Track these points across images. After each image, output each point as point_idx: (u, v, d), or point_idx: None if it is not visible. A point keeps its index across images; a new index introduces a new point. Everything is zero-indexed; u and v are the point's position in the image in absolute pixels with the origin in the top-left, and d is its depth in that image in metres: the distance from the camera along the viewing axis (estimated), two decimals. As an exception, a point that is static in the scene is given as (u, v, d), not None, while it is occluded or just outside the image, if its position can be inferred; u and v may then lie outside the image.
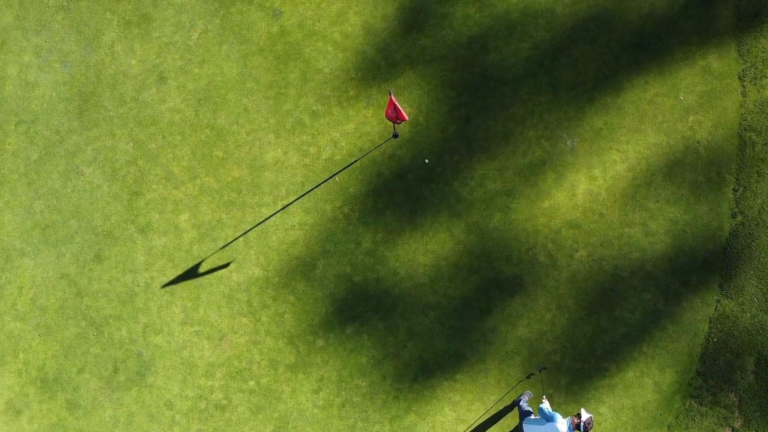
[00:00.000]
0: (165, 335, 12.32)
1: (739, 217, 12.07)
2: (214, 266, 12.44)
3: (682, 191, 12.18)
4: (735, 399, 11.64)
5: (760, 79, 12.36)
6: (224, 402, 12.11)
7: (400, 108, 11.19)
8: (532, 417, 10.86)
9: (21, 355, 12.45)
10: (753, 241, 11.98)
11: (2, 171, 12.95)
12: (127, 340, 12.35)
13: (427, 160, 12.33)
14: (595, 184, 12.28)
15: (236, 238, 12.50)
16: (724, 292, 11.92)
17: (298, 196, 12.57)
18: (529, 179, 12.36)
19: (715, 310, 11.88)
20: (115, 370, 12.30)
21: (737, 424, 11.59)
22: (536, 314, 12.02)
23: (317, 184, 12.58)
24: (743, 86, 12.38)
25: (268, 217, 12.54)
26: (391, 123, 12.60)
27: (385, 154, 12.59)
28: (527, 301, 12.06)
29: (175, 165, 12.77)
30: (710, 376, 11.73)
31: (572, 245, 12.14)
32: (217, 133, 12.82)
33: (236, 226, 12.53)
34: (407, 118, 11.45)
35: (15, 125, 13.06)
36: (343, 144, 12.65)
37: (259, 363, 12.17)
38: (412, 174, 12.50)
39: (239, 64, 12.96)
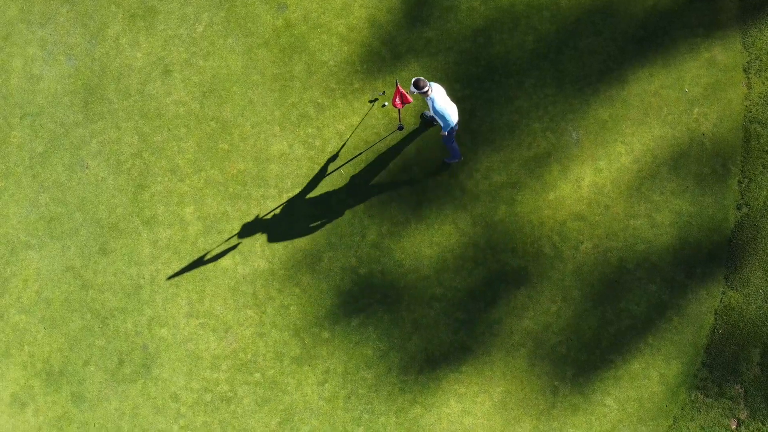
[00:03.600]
0: (170, 328, 12.32)
1: (745, 209, 12.08)
2: (219, 258, 12.44)
3: (688, 183, 12.19)
4: (741, 390, 11.65)
5: (765, 71, 12.37)
6: (230, 394, 12.11)
7: (406, 93, 11.26)
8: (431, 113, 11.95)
9: (26, 348, 12.45)
10: (758, 232, 11.99)
11: (7, 164, 12.96)
12: (132, 333, 12.35)
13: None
14: (600, 176, 12.29)
15: (241, 231, 12.50)
16: (729, 283, 11.93)
17: (303, 188, 12.57)
18: (535, 172, 12.37)
19: (721, 301, 11.89)
20: (121, 362, 12.30)
21: (743, 416, 11.60)
22: (542, 306, 12.02)
23: (322, 176, 12.59)
24: (748, 78, 12.39)
25: (273, 210, 12.55)
26: (395, 116, 12.62)
27: (390, 147, 12.60)
28: (532, 293, 12.07)
29: (180, 158, 12.78)
30: (716, 368, 11.74)
31: (578, 237, 12.15)
32: (222, 126, 12.83)
33: (241, 219, 12.53)
34: (411, 100, 11.50)
35: (20, 118, 13.07)
36: (348, 137, 12.66)
37: (264, 355, 12.17)
38: (417, 167, 12.51)
39: (244, 56, 12.98)
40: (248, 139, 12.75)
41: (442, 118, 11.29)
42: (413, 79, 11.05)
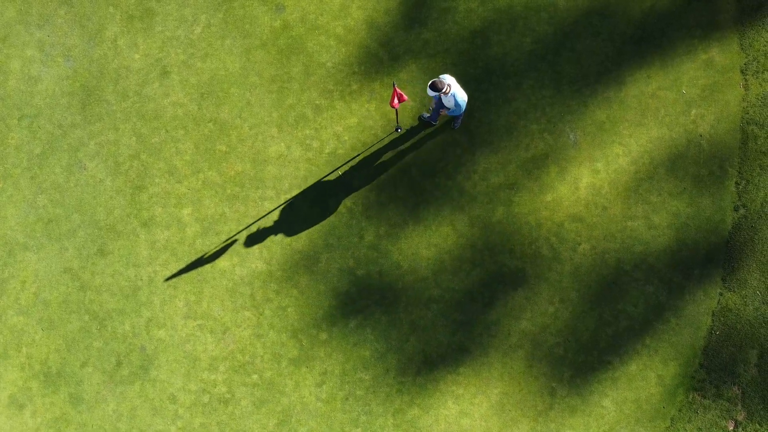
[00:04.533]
0: (168, 329, 12.33)
1: (742, 211, 12.08)
2: (217, 260, 12.45)
3: (685, 185, 12.19)
4: (738, 392, 11.66)
5: (762, 72, 12.38)
6: (227, 396, 12.12)
7: (402, 93, 11.29)
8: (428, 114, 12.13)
9: (24, 350, 12.45)
10: (755, 234, 11.99)
11: (5, 165, 12.96)
12: (130, 334, 12.36)
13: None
14: (597, 177, 12.30)
15: (239, 232, 12.51)
16: (726, 285, 11.93)
17: (301, 190, 12.58)
18: (532, 173, 12.38)
19: (718, 303, 11.90)
20: (118, 364, 12.30)
21: (740, 417, 11.60)
22: (539, 307, 12.03)
23: (320, 178, 12.60)
24: (745, 80, 12.40)
25: (271, 211, 12.55)
26: (393, 117, 12.63)
27: (388, 148, 12.60)
28: (530, 294, 12.07)
29: (178, 159, 12.78)
30: (713, 369, 11.74)
31: (575, 239, 12.15)
32: (220, 128, 12.83)
33: (239, 220, 12.54)
34: (407, 98, 11.56)
35: (18, 120, 13.07)
36: (346, 138, 12.67)
37: (262, 357, 12.18)
38: (415, 168, 12.51)
39: (242, 58, 12.98)
40: (246, 140, 12.76)
41: (460, 108, 11.40)
42: (429, 83, 11.04)
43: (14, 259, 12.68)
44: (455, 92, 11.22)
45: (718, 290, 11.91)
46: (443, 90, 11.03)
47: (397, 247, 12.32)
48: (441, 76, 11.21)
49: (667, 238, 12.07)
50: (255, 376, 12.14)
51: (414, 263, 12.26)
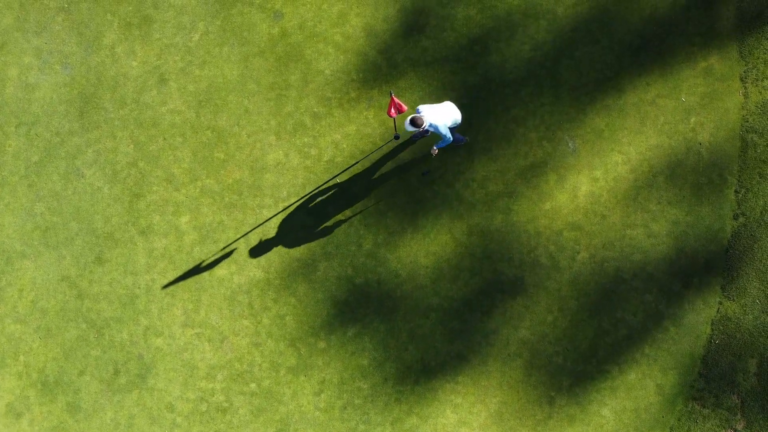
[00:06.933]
0: (166, 337, 12.30)
1: (741, 219, 12.05)
2: (215, 268, 12.42)
3: (684, 193, 12.16)
4: (737, 401, 11.62)
5: (762, 80, 12.34)
6: (225, 404, 12.09)
7: (401, 103, 11.20)
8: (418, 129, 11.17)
9: (21, 358, 12.42)
10: (755, 242, 11.96)
11: (2, 173, 12.93)
12: (127, 343, 12.33)
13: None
14: (596, 185, 12.26)
15: (237, 240, 12.48)
16: (726, 294, 11.90)
17: (300, 197, 12.55)
18: (531, 181, 12.35)
19: (717, 312, 11.86)
20: (116, 372, 12.27)
21: (740, 426, 11.57)
22: (538, 316, 12.00)
23: (318, 185, 12.57)
24: (745, 88, 12.36)
25: (269, 219, 12.53)
26: (392, 125, 12.60)
27: (386, 156, 12.57)
28: (529, 303, 12.04)
29: (175, 167, 12.75)
30: (712, 378, 11.71)
31: (574, 247, 12.12)
32: (218, 135, 12.80)
33: (237, 228, 12.51)
34: (406, 108, 11.44)
35: (15, 127, 13.04)
36: (345, 146, 12.64)
37: (260, 365, 12.15)
38: (413, 176, 12.48)
39: (240, 65, 12.95)
40: (244, 148, 12.73)
41: (450, 134, 11.33)
42: (409, 119, 10.81)
43: (12, 268, 12.65)
44: (436, 125, 11.07)
45: (718, 299, 11.88)
46: (423, 126, 10.85)
47: (396, 256, 12.29)
48: (418, 108, 11.10)
49: (666, 246, 12.04)
50: (253, 385, 12.11)
51: (412, 272, 12.23)
